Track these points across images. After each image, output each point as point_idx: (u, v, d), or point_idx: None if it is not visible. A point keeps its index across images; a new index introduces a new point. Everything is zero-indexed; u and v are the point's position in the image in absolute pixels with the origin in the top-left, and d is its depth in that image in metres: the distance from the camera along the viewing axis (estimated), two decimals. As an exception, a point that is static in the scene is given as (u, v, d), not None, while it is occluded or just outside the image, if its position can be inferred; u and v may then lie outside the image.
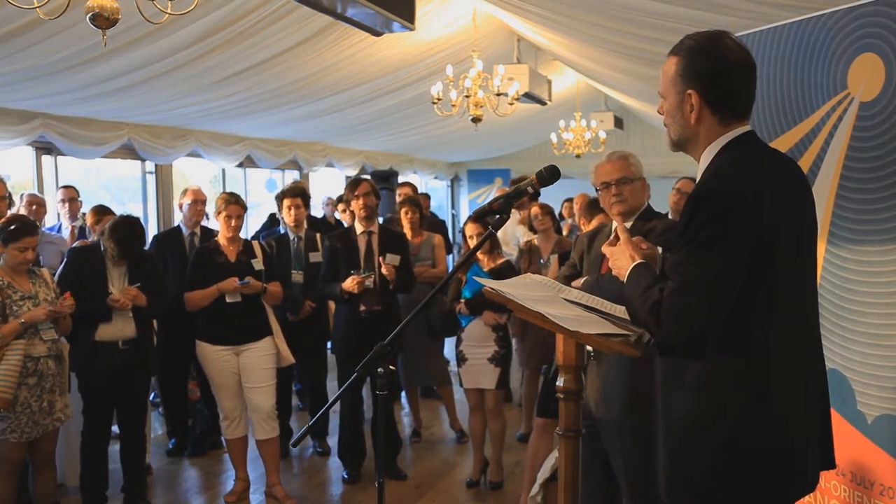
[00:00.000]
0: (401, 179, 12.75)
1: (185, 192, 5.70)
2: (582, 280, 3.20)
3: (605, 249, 2.18)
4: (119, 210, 5.49)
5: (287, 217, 5.65)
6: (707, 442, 1.89)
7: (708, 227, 1.83)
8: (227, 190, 9.56)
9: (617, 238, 2.15)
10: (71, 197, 6.12)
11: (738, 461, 1.89)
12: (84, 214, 5.88)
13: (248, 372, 4.65)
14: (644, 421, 2.53)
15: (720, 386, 1.90)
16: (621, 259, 2.07)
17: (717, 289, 1.84)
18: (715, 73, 1.94)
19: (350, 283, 4.80)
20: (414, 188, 7.63)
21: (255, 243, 4.88)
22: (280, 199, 5.75)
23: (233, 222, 4.68)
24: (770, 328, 1.90)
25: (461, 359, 4.92)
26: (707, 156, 1.99)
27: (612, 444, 3.08)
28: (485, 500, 4.91)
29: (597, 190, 3.22)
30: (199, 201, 5.60)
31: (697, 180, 2.01)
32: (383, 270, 4.86)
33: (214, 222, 8.24)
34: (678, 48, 1.99)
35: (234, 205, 4.68)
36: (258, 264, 4.73)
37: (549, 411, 4.49)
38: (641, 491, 2.97)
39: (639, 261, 2.03)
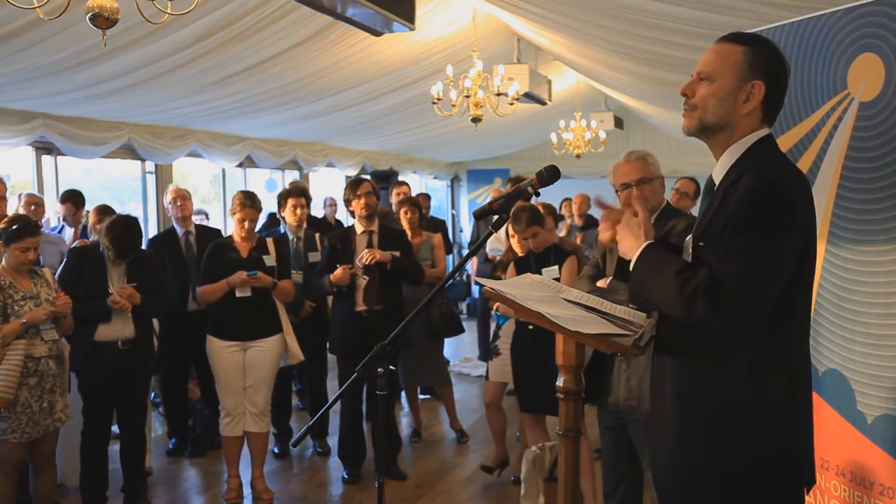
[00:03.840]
0: (401, 179, 12.78)
1: (167, 192, 5.78)
2: (608, 280, 3.21)
3: (608, 217, 2.16)
4: (119, 210, 5.50)
5: (291, 216, 5.66)
6: (737, 437, 1.91)
7: (773, 216, 1.85)
8: (225, 188, 9.68)
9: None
10: (72, 211, 6.11)
11: (767, 457, 1.91)
12: (87, 213, 5.89)
13: (251, 369, 4.70)
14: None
15: (754, 381, 1.92)
16: (629, 236, 2.06)
17: (776, 276, 1.86)
18: (779, 73, 2.00)
19: (340, 272, 4.82)
20: (408, 186, 7.62)
21: (270, 240, 4.90)
22: (284, 198, 5.76)
23: (246, 224, 4.72)
24: (797, 326, 1.96)
25: (494, 352, 4.91)
26: (735, 150, 2.00)
27: (638, 435, 3.11)
28: (485, 499, 4.91)
29: (616, 191, 3.23)
30: (178, 198, 5.64)
31: (724, 173, 2.00)
32: (365, 258, 4.84)
33: (215, 221, 8.27)
34: (741, 38, 2.02)
35: (249, 208, 4.72)
36: (270, 261, 4.76)
37: (530, 407, 4.52)
38: None
39: (650, 240, 2.02)
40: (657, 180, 3.17)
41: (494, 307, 4.88)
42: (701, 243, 1.95)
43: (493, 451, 5.22)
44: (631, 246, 2.04)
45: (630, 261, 2.06)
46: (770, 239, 1.84)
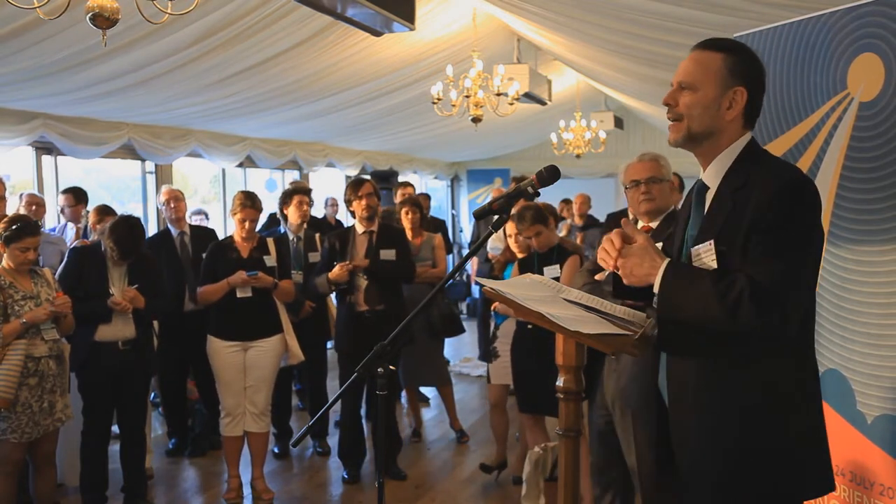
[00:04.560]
0: (401, 179, 12.75)
1: (160, 193, 5.76)
2: (606, 272, 3.21)
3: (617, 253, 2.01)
4: (119, 210, 5.50)
5: (295, 212, 5.69)
6: (738, 436, 1.94)
7: (806, 215, 1.89)
8: (225, 188, 9.68)
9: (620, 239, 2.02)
10: (72, 204, 6.11)
11: (763, 458, 1.93)
12: (88, 213, 5.89)
13: (252, 369, 4.70)
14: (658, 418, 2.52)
15: (755, 383, 1.94)
16: (642, 264, 1.96)
17: (811, 276, 1.92)
18: (758, 78, 2.03)
19: (338, 270, 4.83)
20: (413, 187, 7.63)
21: (270, 240, 4.90)
22: (290, 195, 5.79)
23: (246, 225, 4.72)
24: (807, 329, 2.01)
25: (493, 354, 4.91)
26: (728, 155, 2.02)
27: (625, 437, 3.11)
28: (485, 499, 4.91)
29: (626, 188, 3.25)
30: (172, 199, 5.64)
31: (720, 178, 2.01)
32: (356, 263, 4.89)
33: (215, 221, 8.25)
34: (718, 45, 2.03)
35: (250, 208, 4.72)
36: (270, 261, 4.77)
37: (529, 407, 4.52)
38: (653, 487, 2.98)
39: (668, 259, 1.97)
40: (667, 182, 3.19)
41: (493, 306, 4.89)
42: (722, 248, 1.92)
43: (493, 451, 5.23)
44: (648, 271, 1.95)
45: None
46: (807, 237, 1.88)
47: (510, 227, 4.73)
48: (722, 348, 1.95)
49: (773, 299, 1.81)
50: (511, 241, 4.78)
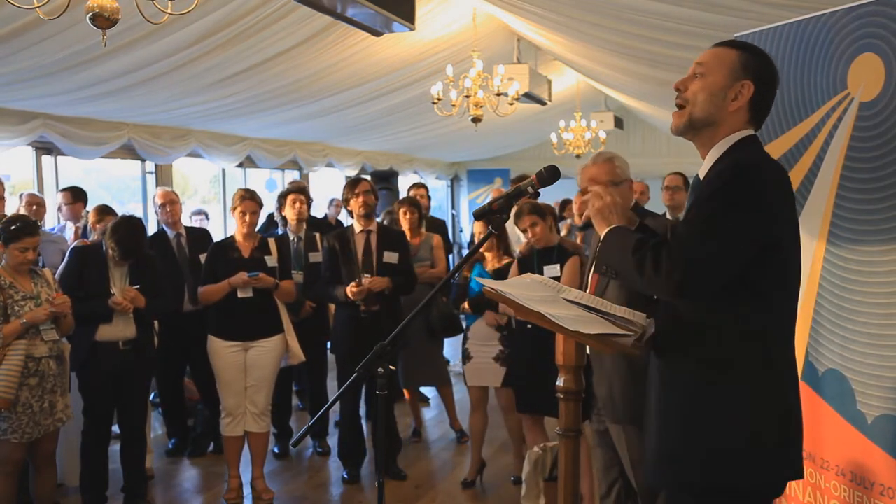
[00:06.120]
0: (401, 179, 12.75)
1: (155, 196, 5.76)
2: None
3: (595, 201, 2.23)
4: (119, 210, 5.49)
5: (291, 210, 5.69)
6: (704, 431, 1.97)
7: (734, 194, 1.92)
8: (225, 188, 9.68)
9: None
10: (69, 201, 6.10)
11: (728, 451, 1.97)
12: (87, 213, 5.88)
13: (252, 369, 4.70)
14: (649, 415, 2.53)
15: (726, 377, 1.98)
16: (609, 213, 2.18)
17: (726, 248, 1.91)
18: (769, 78, 2.09)
19: (356, 290, 4.76)
20: (426, 189, 7.55)
21: (271, 240, 4.90)
22: (285, 195, 5.81)
23: (247, 218, 4.71)
24: (778, 326, 2.02)
25: (466, 356, 4.93)
26: (720, 147, 2.06)
27: (619, 439, 3.10)
28: (484, 500, 4.91)
29: (583, 192, 3.23)
30: (168, 202, 5.60)
31: (709, 169, 2.06)
32: (365, 283, 4.79)
33: (215, 221, 8.22)
34: (737, 44, 2.12)
35: (250, 200, 4.72)
36: (272, 261, 4.76)
37: (528, 408, 4.51)
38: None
39: (616, 224, 2.14)
40: (625, 183, 3.15)
41: (462, 306, 4.91)
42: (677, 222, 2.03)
43: (487, 457, 5.15)
44: (606, 220, 2.18)
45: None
46: (726, 213, 1.91)
47: (480, 226, 4.88)
48: (712, 348, 1.99)
49: (669, 256, 1.89)
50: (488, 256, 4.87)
